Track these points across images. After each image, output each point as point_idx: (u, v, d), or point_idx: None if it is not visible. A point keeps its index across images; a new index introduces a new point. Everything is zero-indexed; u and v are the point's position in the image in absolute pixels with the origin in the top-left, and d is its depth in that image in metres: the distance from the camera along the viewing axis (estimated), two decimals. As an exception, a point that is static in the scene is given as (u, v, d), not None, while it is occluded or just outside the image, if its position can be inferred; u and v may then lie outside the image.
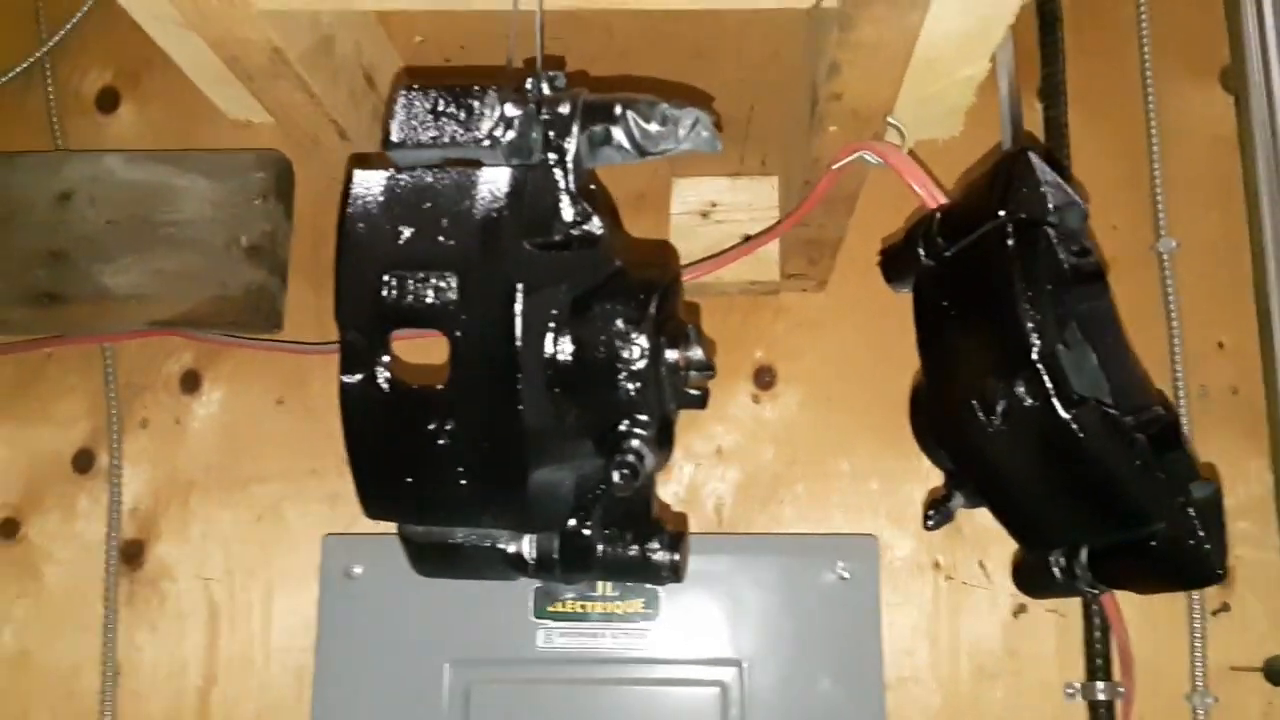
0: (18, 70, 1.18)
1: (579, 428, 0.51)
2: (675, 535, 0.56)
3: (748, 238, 0.93)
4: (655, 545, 0.54)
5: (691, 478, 1.10)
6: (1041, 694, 1.04)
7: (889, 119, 0.73)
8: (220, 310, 1.07)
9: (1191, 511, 0.54)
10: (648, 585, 0.95)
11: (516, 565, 0.54)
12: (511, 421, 0.48)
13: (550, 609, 0.95)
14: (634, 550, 0.54)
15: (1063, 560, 0.60)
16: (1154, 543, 0.54)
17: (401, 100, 0.50)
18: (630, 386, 0.49)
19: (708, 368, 0.53)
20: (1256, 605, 1.04)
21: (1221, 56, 1.16)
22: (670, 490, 1.10)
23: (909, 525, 1.07)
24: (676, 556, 0.55)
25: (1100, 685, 1.00)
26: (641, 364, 0.49)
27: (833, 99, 0.69)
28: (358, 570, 0.98)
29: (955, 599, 1.06)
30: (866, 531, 1.06)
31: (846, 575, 0.96)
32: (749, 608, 0.96)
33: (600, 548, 0.54)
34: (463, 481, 0.49)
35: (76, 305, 1.07)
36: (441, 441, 0.48)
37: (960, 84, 0.67)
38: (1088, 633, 1.03)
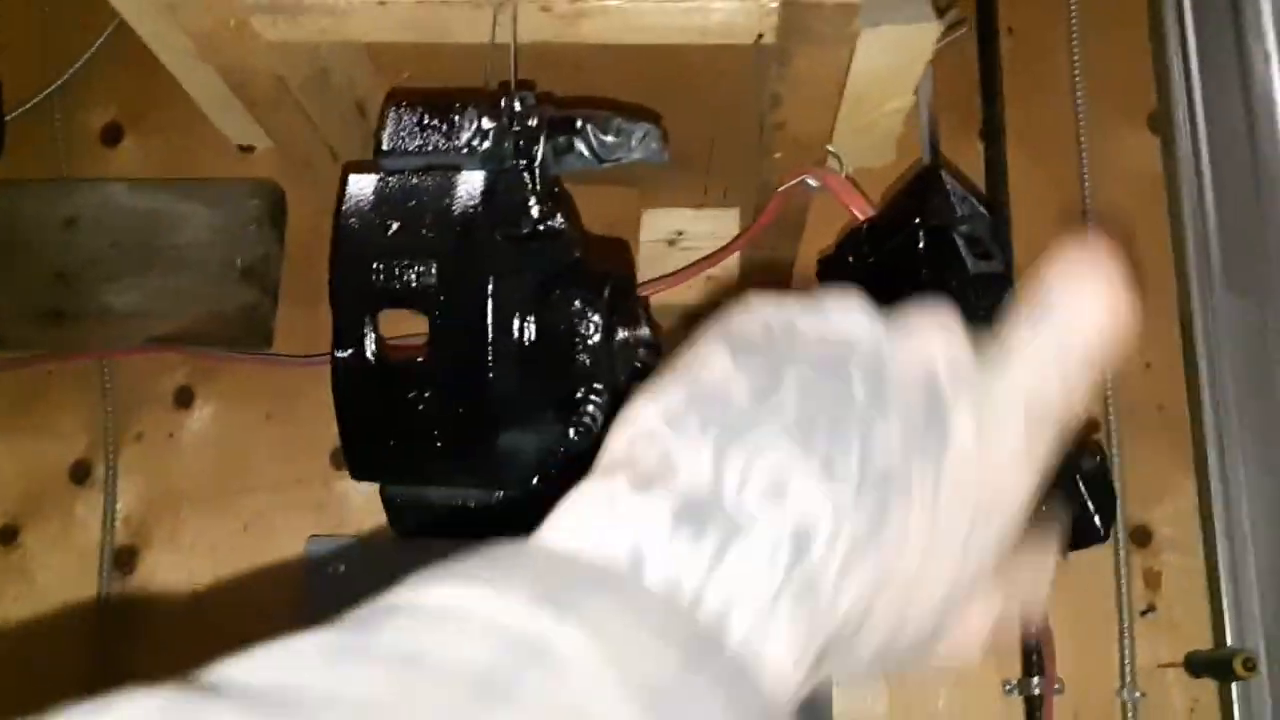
0: (28, 105, 1.25)
1: (542, 396, 0.58)
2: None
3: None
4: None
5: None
6: (982, 690, 1.10)
7: (829, 148, 0.82)
8: (215, 328, 1.14)
9: (1079, 482, 0.61)
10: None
11: (486, 523, 0.61)
12: (482, 390, 0.55)
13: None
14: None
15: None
16: (1044, 509, 0.61)
17: (392, 114, 0.58)
18: (586, 359, 0.57)
19: (654, 345, 0.61)
20: (1180, 607, 1.11)
21: (1149, 101, 1.25)
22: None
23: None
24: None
25: (1035, 680, 1.07)
26: (596, 339, 0.57)
27: (776, 128, 0.77)
28: (341, 569, 1.04)
29: (903, 602, 1.13)
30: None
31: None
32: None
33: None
34: (439, 444, 0.57)
35: (80, 323, 1.14)
36: (420, 408, 0.56)
37: (889, 115, 0.75)
38: (1025, 632, 1.09)
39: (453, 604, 0.23)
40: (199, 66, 0.74)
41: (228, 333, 1.15)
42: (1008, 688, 1.09)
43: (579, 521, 0.26)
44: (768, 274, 1.11)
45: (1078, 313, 0.32)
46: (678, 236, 1.19)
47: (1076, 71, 1.24)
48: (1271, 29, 1.13)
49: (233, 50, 0.69)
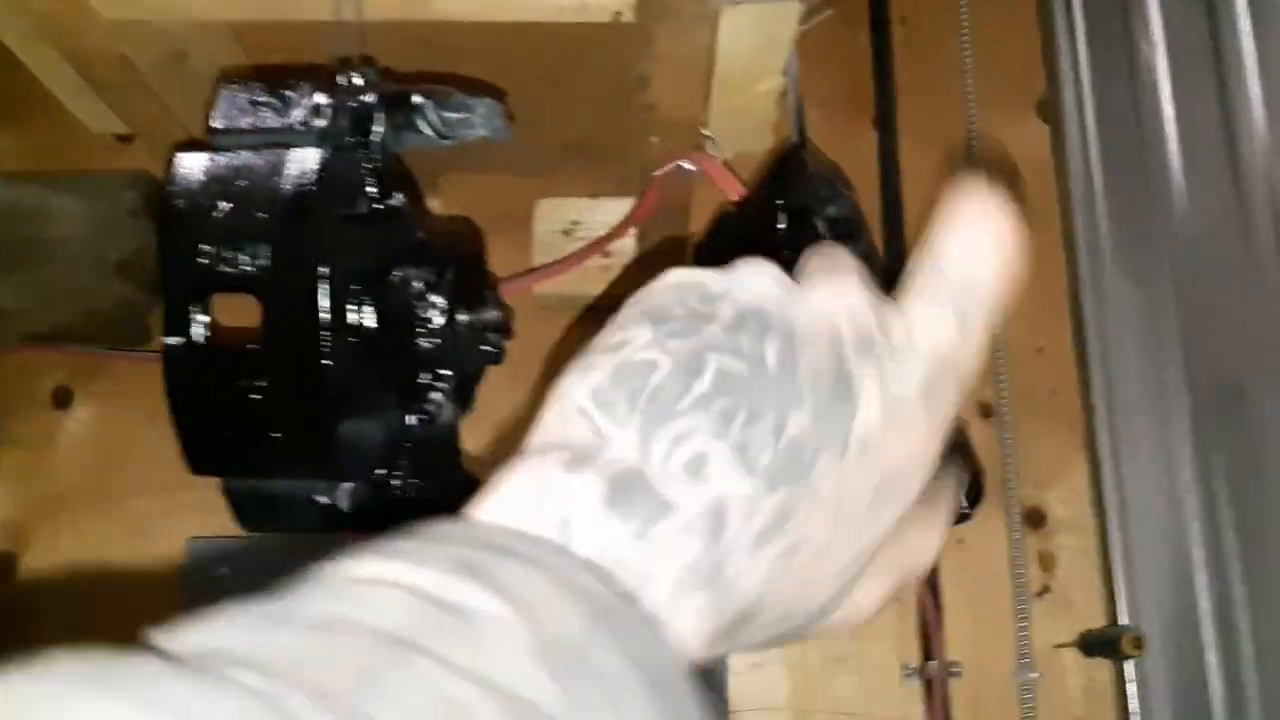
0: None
1: (383, 382, 0.56)
2: (476, 483, 0.61)
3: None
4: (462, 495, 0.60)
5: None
6: (883, 674, 1.10)
7: (704, 132, 0.81)
8: (91, 325, 1.10)
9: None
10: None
11: (332, 516, 0.59)
12: (318, 377, 0.53)
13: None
14: (438, 498, 0.60)
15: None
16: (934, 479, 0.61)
17: (223, 91, 0.55)
18: (427, 344, 0.55)
19: (504, 329, 0.59)
20: (1075, 588, 1.12)
21: (1037, 88, 1.27)
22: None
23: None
24: (478, 503, 0.60)
25: (933, 664, 1.07)
26: (438, 321, 0.55)
27: (647, 110, 0.76)
28: (224, 571, 1.01)
29: (802, 590, 1.12)
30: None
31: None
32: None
33: (410, 497, 0.60)
34: (275, 434, 0.54)
35: (-54, 321, 1.10)
36: (255, 397, 0.53)
37: (761, 97, 0.74)
38: (921, 615, 1.10)
39: (375, 575, 0.24)
40: (44, 49, 0.71)
41: (104, 330, 1.11)
42: (906, 672, 1.09)
43: (511, 499, 0.28)
44: (664, 257, 1.10)
45: (971, 257, 0.32)
46: (573, 226, 1.18)
47: (966, 59, 1.25)
48: (1157, 14, 1.15)
49: (73, 30, 0.66)
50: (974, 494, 0.62)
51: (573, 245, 1.17)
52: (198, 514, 1.14)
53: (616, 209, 1.18)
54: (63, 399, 1.17)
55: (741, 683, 1.08)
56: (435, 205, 1.11)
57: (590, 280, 1.17)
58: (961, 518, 0.64)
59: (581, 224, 1.18)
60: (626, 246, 1.16)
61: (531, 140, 1.08)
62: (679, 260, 1.10)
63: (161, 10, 0.65)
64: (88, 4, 0.64)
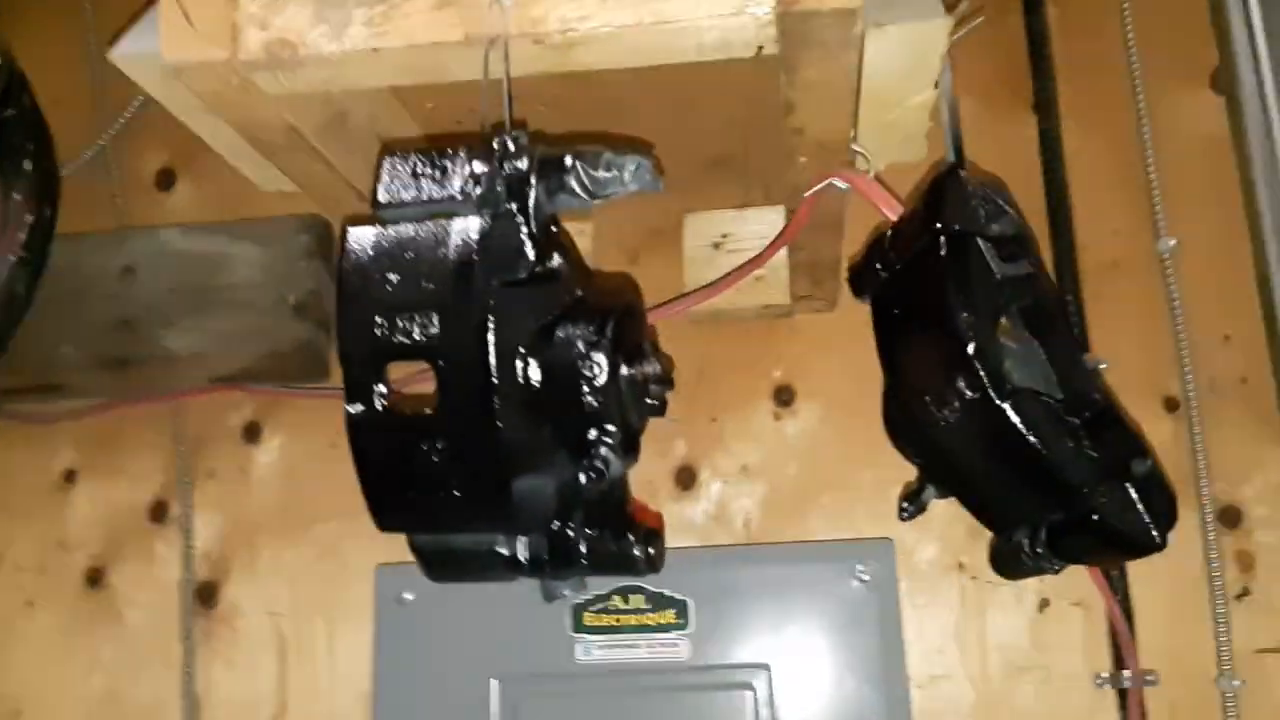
0: (84, 159, 1.29)
1: (553, 439, 0.57)
2: (649, 531, 0.62)
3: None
4: (630, 540, 0.61)
5: (720, 495, 1.16)
6: (1070, 685, 1.06)
7: (855, 147, 0.79)
8: (273, 364, 1.17)
9: (1129, 486, 0.58)
10: (676, 597, 1.01)
11: (512, 565, 0.61)
12: (491, 437, 0.54)
13: (587, 623, 1.02)
14: (614, 546, 0.61)
15: (1026, 542, 0.65)
16: (1097, 517, 0.58)
17: (385, 166, 0.58)
18: (593, 400, 0.56)
19: (665, 380, 0.60)
20: (1277, 588, 1.06)
21: (1209, 59, 1.19)
22: (700, 508, 1.15)
23: (933, 530, 1.11)
24: (651, 550, 0.61)
25: (1128, 672, 1.03)
26: (602, 378, 0.56)
27: (795, 133, 0.75)
28: (408, 596, 1.05)
29: (981, 598, 1.10)
30: (890, 539, 1.10)
31: (866, 577, 1.01)
32: (774, 613, 1.01)
33: (583, 546, 0.61)
34: (455, 492, 0.56)
35: (144, 368, 1.17)
36: (434, 459, 0.56)
37: (913, 111, 0.73)
38: (1110, 622, 1.05)
39: None
40: (212, 122, 0.75)
41: (285, 368, 1.17)
42: (1099, 681, 1.05)
43: None
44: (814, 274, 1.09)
45: None
46: (723, 239, 1.17)
47: (1129, 33, 1.18)
48: (1339, -31, 1.06)
49: (241, 106, 0.70)
50: (1169, 520, 0.60)
51: (723, 257, 1.17)
52: (380, 537, 1.18)
53: (766, 219, 1.17)
54: (252, 434, 1.24)
55: (923, 696, 1.06)
56: (586, 226, 1.12)
57: (745, 292, 1.17)
58: (1148, 552, 0.61)
59: (731, 236, 1.18)
60: (780, 258, 1.15)
61: (678, 159, 1.08)
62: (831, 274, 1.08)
63: (321, 83, 0.67)
64: (254, 84, 0.67)
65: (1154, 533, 0.58)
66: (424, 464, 0.56)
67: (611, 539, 0.61)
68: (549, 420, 0.57)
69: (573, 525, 0.60)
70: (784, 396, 1.18)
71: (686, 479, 1.16)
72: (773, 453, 1.17)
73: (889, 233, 0.69)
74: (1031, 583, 1.09)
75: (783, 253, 1.13)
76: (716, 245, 1.17)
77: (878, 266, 0.69)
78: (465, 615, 1.03)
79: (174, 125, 1.32)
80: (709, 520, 1.16)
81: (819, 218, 0.89)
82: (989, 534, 1.12)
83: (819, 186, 0.78)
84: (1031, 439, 0.57)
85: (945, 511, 1.12)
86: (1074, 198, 1.15)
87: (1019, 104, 1.19)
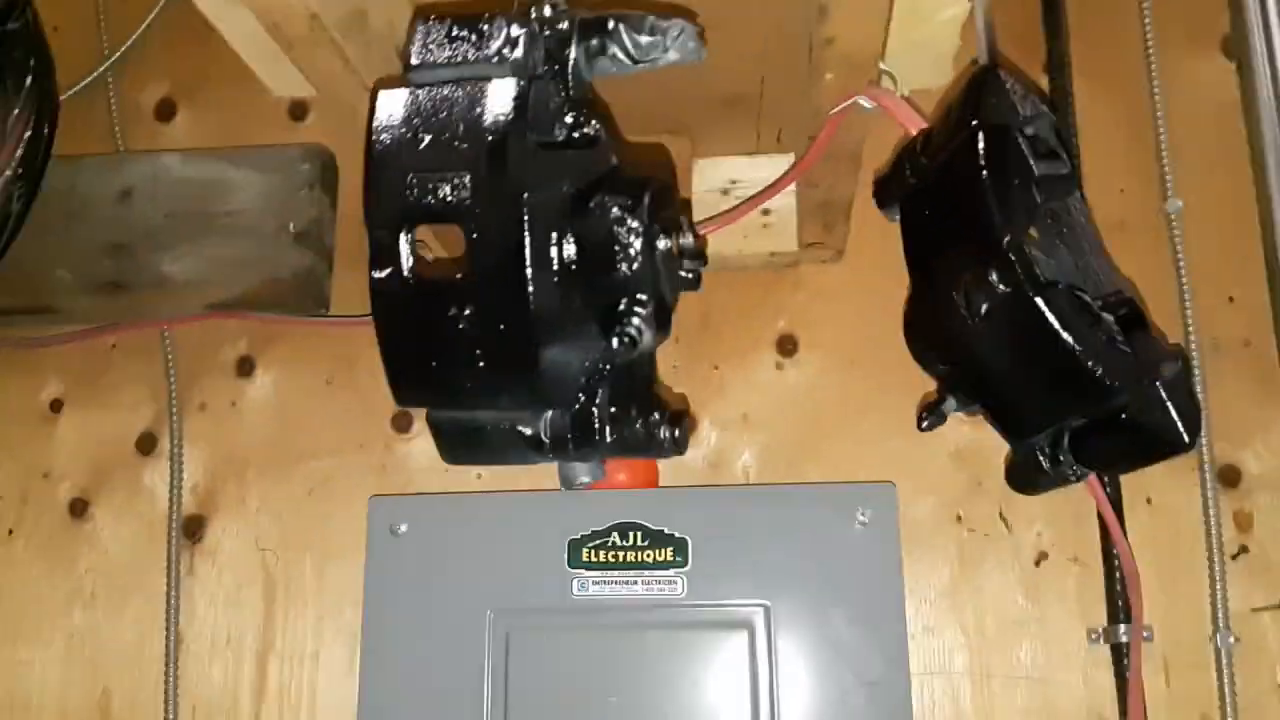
0: (83, 84, 1.27)
1: (584, 309, 0.56)
2: (676, 412, 0.61)
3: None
4: (657, 420, 0.59)
5: (719, 442, 1.15)
6: (1066, 640, 1.06)
7: (882, 66, 0.78)
8: (271, 293, 1.15)
9: (1159, 385, 0.58)
10: (676, 535, 1.00)
11: (534, 446, 0.59)
12: (522, 305, 0.53)
13: (584, 559, 1.00)
14: (639, 426, 0.60)
15: (1047, 449, 0.64)
16: (1125, 417, 0.58)
17: (420, 28, 0.56)
18: (627, 269, 0.55)
19: (699, 255, 0.59)
20: (1274, 548, 1.06)
21: (1222, 25, 1.20)
22: (699, 454, 1.14)
23: (931, 481, 1.11)
24: (678, 431, 0.60)
25: (1122, 628, 1.03)
26: (636, 247, 0.54)
27: (825, 44, 0.74)
28: (403, 528, 1.03)
29: (978, 551, 1.09)
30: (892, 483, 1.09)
31: (866, 521, 1.00)
32: (774, 554, 1.00)
33: (608, 425, 0.60)
34: (481, 364, 0.55)
35: (138, 293, 1.15)
36: (461, 326, 0.54)
37: (944, 26, 0.72)
38: (1108, 578, 1.05)
39: None
40: (235, 10, 0.73)
41: (284, 298, 1.15)
42: (1094, 636, 1.05)
43: None
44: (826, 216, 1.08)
45: None
46: (731, 185, 1.17)
47: (1144, -1, 1.19)
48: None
49: (266, -11, 0.68)
50: (1196, 424, 0.59)
51: (731, 204, 1.16)
52: (375, 475, 1.18)
53: (775, 166, 1.17)
54: (245, 367, 1.22)
55: (917, 647, 1.05)
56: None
57: (752, 238, 1.16)
58: (1175, 452, 0.61)
59: (740, 182, 1.17)
60: (788, 205, 1.14)
61: (691, 98, 1.07)
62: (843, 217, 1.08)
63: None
64: (281, -37, 0.66)
65: (1182, 431, 0.58)
66: (450, 332, 0.55)
67: (638, 418, 0.59)
68: (581, 288, 0.55)
69: (599, 403, 0.59)
70: (787, 346, 1.17)
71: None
72: (774, 402, 1.16)
73: (920, 137, 0.68)
74: (1028, 538, 1.09)
75: (792, 199, 1.13)
76: (725, 191, 1.16)
77: (907, 172, 0.68)
78: (461, 548, 1.01)
79: (175, 56, 1.32)
80: (709, 468, 1.15)
81: (837, 148, 0.88)
82: (987, 487, 1.12)
83: (845, 104, 0.77)
84: (1065, 335, 0.57)
85: (943, 465, 1.12)
86: (1083, 156, 1.14)
87: (1032, 63, 1.19)
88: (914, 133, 0.74)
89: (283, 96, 0.95)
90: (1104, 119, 1.17)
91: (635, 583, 1.00)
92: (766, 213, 1.15)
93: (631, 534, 1.01)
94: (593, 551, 1.01)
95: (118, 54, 1.29)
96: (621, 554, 1.01)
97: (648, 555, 1.00)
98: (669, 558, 1.01)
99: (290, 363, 1.21)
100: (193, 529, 1.19)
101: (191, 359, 1.23)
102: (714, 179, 1.17)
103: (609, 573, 1.00)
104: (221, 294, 1.15)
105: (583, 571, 1.01)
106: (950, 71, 0.81)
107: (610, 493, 1.03)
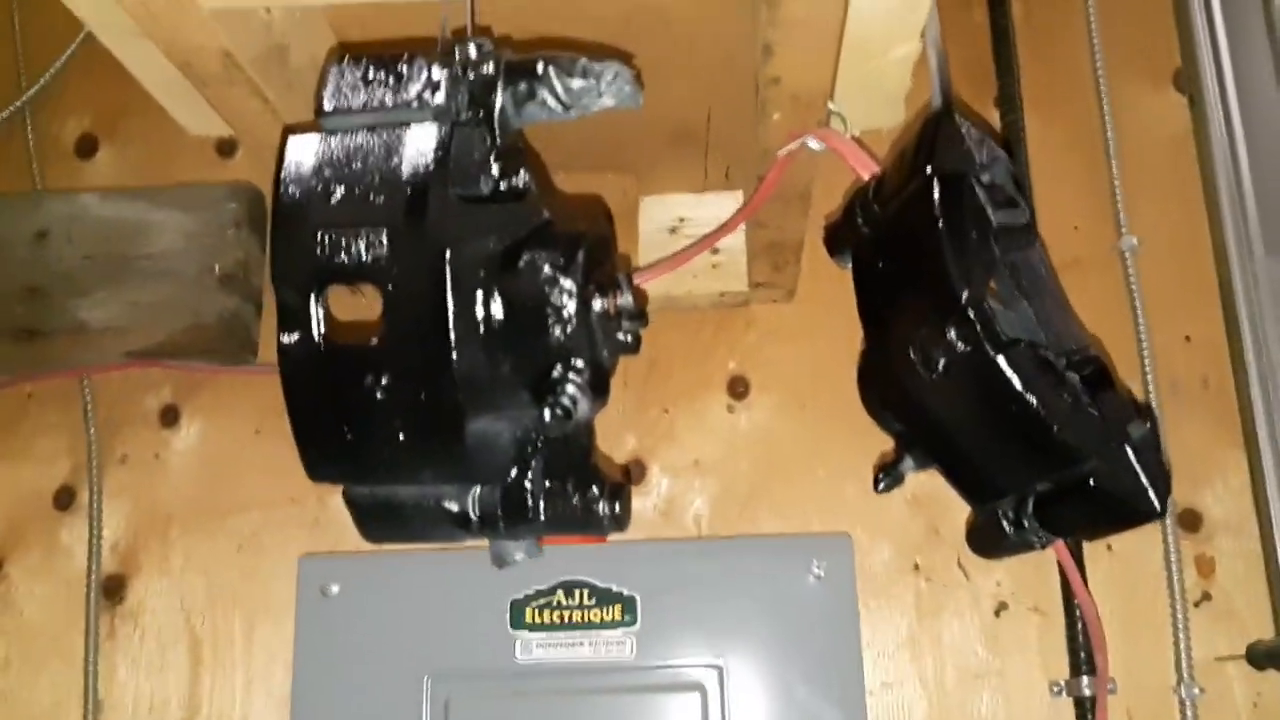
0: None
1: (514, 376, 0.51)
2: (615, 485, 0.56)
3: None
4: (595, 494, 0.55)
5: (669, 490, 1.11)
6: (1027, 692, 1.02)
7: (831, 106, 0.75)
8: (196, 339, 1.09)
9: (1128, 448, 0.54)
10: (624, 592, 0.95)
11: (461, 523, 0.55)
12: (445, 372, 0.49)
13: (527, 620, 0.95)
14: (575, 500, 0.55)
15: (1011, 513, 0.60)
16: (1093, 482, 0.54)
17: (334, 70, 0.52)
18: (560, 332, 0.50)
19: (639, 315, 0.54)
20: (1237, 594, 1.03)
21: (1173, 59, 1.19)
22: (649, 503, 1.10)
23: (887, 529, 1.07)
24: (617, 506, 0.56)
25: (1085, 680, 0.99)
26: (570, 309, 0.50)
27: (772, 83, 0.71)
28: (334, 589, 0.98)
29: (936, 600, 1.06)
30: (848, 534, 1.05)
31: (822, 574, 0.96)
32: (726, 610, 0.96)
33: (542, 501, 0.55)
34: (401, 435, 0.50)
35: (54, 339, 1.09)
36: (378, 396, 0.49)
37: (896, 65, 0.69)
38: (1069, 628, 1.02)
39: None
40: (144, 47, 0.68)
41: (210, 343, 1.09)
42: (1056, 689, 1.01)
43: None
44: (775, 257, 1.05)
45: None
46: (680, 223, 1.13)
47: (1093, 32, 1.18)
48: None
49: (172, 23, 0.63)
50: (1166, 487, 0.56)
51: (679, 242, 1.12)
52: (307, 529, 1.12)
53: (723, 204, 1.13)
54: (170, 417, 1.16)
55: (874, 703, 1.01)
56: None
57: (701, 278, 1.12)
58: (1145, 519, 0.57)
59: (688, 220, 1.14)
60: (737, 244, 1.11)
61: (638, 134, 1.04)
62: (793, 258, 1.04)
63: (263, -2, 0.62)
64: (189, -5, 0.61)
65: (1153, 498, 0.54)
66: (366, 402, 0.50)
67: (574, 492, 0.55)
68: (510, 354, 0.51)
69: (531, 477, 0.54)
70: (738, 388, 1.14)
71: (636, 473, 1.11)
72: (726, 447, 1.12)
73: (871, 184, 0.65)
74: (988, 587, 1.06)
75: (741, 239, 1.10)
76: (673, 230, 1.13)
77: (859, 220, 0.65)
78: (397, 609, 0.96)
79: (97, 89, 1.26)
80: (659, 516, 1.10)
81: (786, 188, 0.85)
82: (945, 534, 1.09)
83: (793, 145, 0.73)
84: (1028, 395, 0.53)
85: (900, 512, 1.08)
86: (1036, 193, 1.12)
87: (984, 99, 1.17)
88: (865, 177, 0.71)
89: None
90: (1057, 155, 1.15)
91: (582, 644, 0.95)
92: (715, 252, 1.11)
93: (577, 592, 0.96)
94: (537, 612, 0.96)
95: (36, 86, 1.23)
96: (567, 614, 0.96)
97: (595, 615, 0.96)
98: (617, 617, 0.96)
99: (217, 412, 1.15)
100: (113, 588, 1.12)
101: (112, 408, 1.16)
102: (661, 217, 1.14)
103: (554, 634, 0.96)
104: (143, 340, 1.09)
105: (526, 633, 0.96)
106: (902, 112, 0.78)
107: (554, 548, 0.98)
